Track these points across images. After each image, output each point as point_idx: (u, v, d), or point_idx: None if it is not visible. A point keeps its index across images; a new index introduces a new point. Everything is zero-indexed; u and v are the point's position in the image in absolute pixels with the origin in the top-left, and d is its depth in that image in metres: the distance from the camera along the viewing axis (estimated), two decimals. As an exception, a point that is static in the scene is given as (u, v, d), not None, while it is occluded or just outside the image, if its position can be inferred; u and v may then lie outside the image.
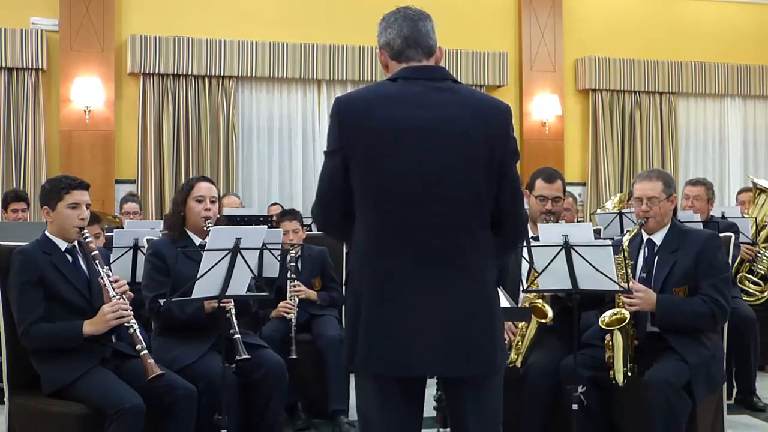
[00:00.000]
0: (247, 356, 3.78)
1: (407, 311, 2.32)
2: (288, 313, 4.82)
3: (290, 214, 5.26)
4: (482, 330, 2.36)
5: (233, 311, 3.84)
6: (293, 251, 5.00)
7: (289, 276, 4.93)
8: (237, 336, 3.80)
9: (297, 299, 4.90)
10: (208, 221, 3.94)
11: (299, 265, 5.11)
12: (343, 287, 5.32)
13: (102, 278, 3.52)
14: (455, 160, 2.34)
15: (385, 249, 2.34)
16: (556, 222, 4.20)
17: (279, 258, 4.67)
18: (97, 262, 3.53)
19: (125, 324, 3.47)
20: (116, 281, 3.55)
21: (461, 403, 2.43)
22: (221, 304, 3.64)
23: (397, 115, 2.33)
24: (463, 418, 2.43)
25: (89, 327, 3.45)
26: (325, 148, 2.42)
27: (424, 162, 2.32)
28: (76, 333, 3.44)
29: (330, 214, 2.45)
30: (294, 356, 4.70)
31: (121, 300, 3.50)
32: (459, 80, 2.47)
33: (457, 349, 2.33)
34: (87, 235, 3.57)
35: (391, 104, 2.35)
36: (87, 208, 3.64)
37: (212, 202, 4.05)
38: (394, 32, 2.43)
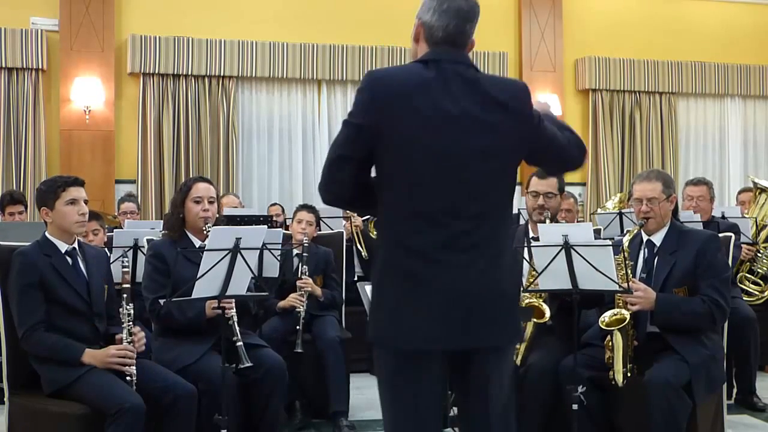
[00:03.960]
0: (249, 364, 3.78)
1: (439, 287, 2.34)
2: (297, 307, 4.85)
3: (309, 207, 5.50)
4: (508, 302, 2.44)
5: (235, 318, 3.83)
6: (298, 248, 5.06)
7: (300, 268, 4.97)
8: (240, 344, 3.79)
9: (306, 293, 4.93)
10: (207, 225, 3.91)
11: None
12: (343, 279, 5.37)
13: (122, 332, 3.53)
14: (486, 147, 2.38)
15: (414, 231, 2.36)
16: (552, 220, 4.20)
17: (279, 258, 4.68)
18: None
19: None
20: (136, 332, 3.55)
21: (486, 374, 2.46)
22: (224, 310, 3.64)
23: (435, 101, 2.35)
24: (485, 389, 2.46)
25: (89, 358, 3.45)
26: (348, 117, 2.39)
27: (457, 149, 2.36)
28: (75, 359, 3.44)
29: (339, 179, 2.40)
30: (300, 350, 4.72)
31: (130, 345, 3.49)
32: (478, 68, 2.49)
33: (488, 320, 2.38)
34: None
35: (427, 89, 2.36)
36: (85, 203, 3.64)
37: (210, 202, 4.04)
38: (441, 23, 2.43)
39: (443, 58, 2.41)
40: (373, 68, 8.86)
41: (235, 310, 3.82)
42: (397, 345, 2.39)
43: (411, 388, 2.39)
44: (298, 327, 4.80)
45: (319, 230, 5.93)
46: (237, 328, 3.81)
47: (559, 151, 2.54)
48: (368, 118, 2.35)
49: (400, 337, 2.38)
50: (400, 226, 2.39)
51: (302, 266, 4.99)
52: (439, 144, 2.35)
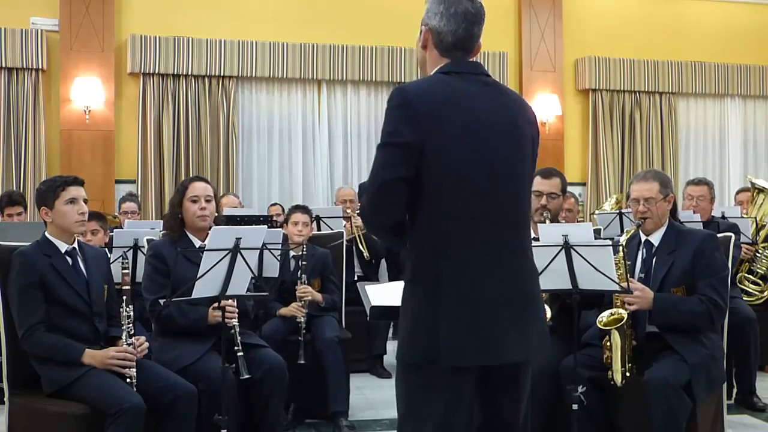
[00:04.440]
0: (248, 376, 3.78)
1: (489, 300, 2.30)
2: (298, 317, 4.84)
3: (302, 208, 5.46)
4: (542, 314, 2.46)
5: (237, 328, 3.82)
6: (296, 251, 5.04)
7: (299, 276, 4.95)
8: (240, 354, 3.79)
9: (306, 302, 4.93)
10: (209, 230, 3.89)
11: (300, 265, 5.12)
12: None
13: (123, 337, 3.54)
14: (518, 156, 2.40)
15: (462, 242, 2.31)
16: (553, 220, 4.21)
17: (279, 258, 4.68)
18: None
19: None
20: (140, 343, 3.55)
21: (522, 383, 2.45)
22: (225, 320, 3.64)
23: (472, 110, 2.34)
24: (517, 401, 2.45)
25: (89, 359, 3.45)
26: (390, 138, 2.29)
27: (498, 158, 2.35)
28: (75, 359, 3.44)
29: (396, 201, 2.30)
30: (302, 361, 4.70)
31: (131, 348, 3.49)
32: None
33: (535, 333, 2.38)
34: None
35: (464, 100, 2.34)
36: (85, 203, 3.64)
37: (207, 200, 4.04)
38: (450, 28, 2.41)
39: (464, 70, 2.40)
40: (374, 68, 9.01)
41: (237, 319, 3.82)
42: (460, 362, 2.27)
43: (452, 406, 2.30)
44: (299, 338, 4.79)
45: (318, 230, 5.93)
46: (239, 338, 3.81)
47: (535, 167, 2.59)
48: (413, 134, 2.27)
49: (454, 354, 2.26)
50: (441, 236, 2.31)
51: (300, 273, 4.96)
52: (483, 152, 2.32)
